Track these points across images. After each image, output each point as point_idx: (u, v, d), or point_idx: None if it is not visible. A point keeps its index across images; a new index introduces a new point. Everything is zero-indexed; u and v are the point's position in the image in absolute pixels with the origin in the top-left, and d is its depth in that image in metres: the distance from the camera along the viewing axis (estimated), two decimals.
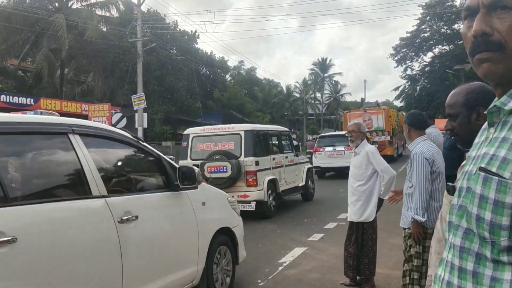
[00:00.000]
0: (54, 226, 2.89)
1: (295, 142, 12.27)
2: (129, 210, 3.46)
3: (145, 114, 25.36)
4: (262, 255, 6.65)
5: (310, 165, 12.85)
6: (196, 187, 4.28)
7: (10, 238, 2.52)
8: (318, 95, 78.62)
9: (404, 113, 50.05)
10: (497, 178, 1.00)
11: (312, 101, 76.65)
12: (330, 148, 17.83)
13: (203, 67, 43.65)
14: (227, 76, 54.78)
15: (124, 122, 22.80)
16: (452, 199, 2.12)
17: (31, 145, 3.17)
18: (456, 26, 42.79)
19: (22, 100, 22.61)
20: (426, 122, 4.19)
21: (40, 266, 2.74)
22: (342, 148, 17.49)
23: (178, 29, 37.18)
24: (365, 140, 5.12)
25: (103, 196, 3.29)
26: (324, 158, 17.67)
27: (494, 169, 1.01)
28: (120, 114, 22.85)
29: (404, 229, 4.12)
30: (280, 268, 5.97)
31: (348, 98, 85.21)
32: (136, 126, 24.84)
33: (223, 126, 10.74)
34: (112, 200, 3.36)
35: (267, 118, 54.15)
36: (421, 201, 3.82)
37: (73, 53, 29.81)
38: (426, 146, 3.94)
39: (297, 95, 72.77)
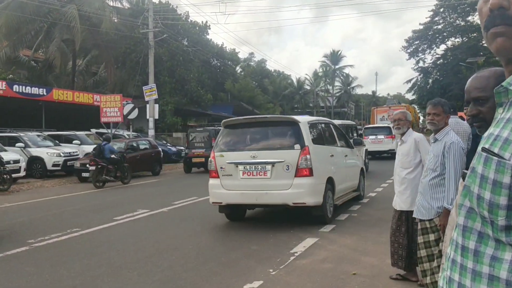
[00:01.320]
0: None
1: None
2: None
3: (156, 105, 25.44)
4: (274, 245, 6.65)
5: None
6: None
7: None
8: (329, 87, 78.30)
9: (416, 106, 49.81)
10: (496, 158, 1.02)
11: (323, 94, 76.35)
12: (373, 136, 23.28)
13: (214, 58, 43.59)
14: (238, 67, 54.66)
15: (135, 113, 22.89)
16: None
17: None
18: (470, 18, 42.28)
19: (35, 90, 22.73)
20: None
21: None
22: (382, 136, 23.23)
23: (189, 20, 37.13)
24: (410, 129, 5.06)
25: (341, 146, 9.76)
26: (369, 143, 21.50)
27: (496, 150, 1.03)
28: (131, 105, 22.94)
29: (422, 220, 4.04)
30: (292, 258, 5.97)
31: (359, 91, 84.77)
32: (148, 117, 24.93)
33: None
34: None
35: (278, 111, 54.08)
36: (455, 191, 3.74)
37: (85, 44, 29.93)
38: (455, 135, 3.88)
39: (308, 87, 72.54)
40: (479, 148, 1.12)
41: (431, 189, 3.91)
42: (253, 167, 7.84)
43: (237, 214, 8.71)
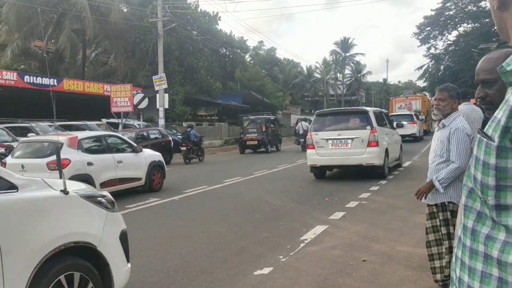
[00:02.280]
0: None
1: None
2: None
3: (166, 95, 25.47)
4: (284, 233, 6.68)
5: None
6: None
7: None
8: (339, 75, 77.78)
9: (427, 93, 49.44)
10: (486, 140, 1.05)
11: (333, 82, 75.87)
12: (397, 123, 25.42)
13: (223, 47, 43.48)
14: (247, 56, 54.47)
15: (145, 102, 22.94)
16: None
17: None
18: (482, 3, 41.64)
19: (45, 80, 22.86)
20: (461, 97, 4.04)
21: None
22: (405, 122, 26.79)
23: (199, 10, 37.01)
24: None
25: (390, 128, 13.32)
26: None
27: (489, 132, 1.06)
28: (141, 95, 22.99)
29: (429, 205, 4.07)
30: (302, 245, 5.99)
31: (370, 79, 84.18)
32: (158, 106, 24.99)
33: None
34: None
35: (288, 100, 53.92)
36: (452, 175, 3.75)
37: (95, 34, 30.00)
38: (464, 121, 3.85)
39: (318, 75, 72.08)
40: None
41: (436, 174, 3.94)
42: (339, 141, 11.90)
43: (321, 175, 12.63)
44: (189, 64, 32.95)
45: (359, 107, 16.23)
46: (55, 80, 23.65)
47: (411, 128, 27.43)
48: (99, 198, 3.68)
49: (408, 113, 29.77)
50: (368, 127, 11.67)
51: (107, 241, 3.53)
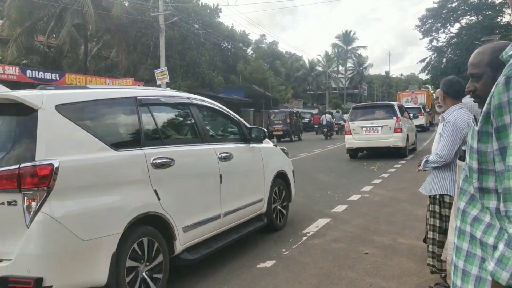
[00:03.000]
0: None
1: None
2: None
3: (168, 89, 25.44)
4: (286, 226, 6.69)
5: None
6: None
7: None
8: (341, 68, 77.60)
9: (430, 86, 49.36)
10: (473, 126, 1.14)
11: (335, 75, 75.71)
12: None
13: (225, 41, 43.35)
14: (249, 50, 54.34)
15: None
16: (460, 163, 2.13)
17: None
18: None
19: (47, 75, 22.88)
20: (463, 91, 3.84)
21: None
22: (415, 113, 27.41)
23: (200, 3, 36.91)
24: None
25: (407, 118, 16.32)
26: None
27: (479, 118, 1.13)
28: None
29: (430, 197, 4.11)
30: (304, 238, 6.01)
31: (372, 72, 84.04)
32: None
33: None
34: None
35: (290, 93, 53.86)
36: (434, 161, 3.84)
37: (97, 29, 29.95)
38: (461, 115, 3.80)
39: (320, 69, 71.94)
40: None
41: (435, 167, 3.98)
42: (371, 128, 15.02)
43: (354, 155, 15.87)
44: (191, 58, 32.88)
45: (386, 102, 21.00)
46: (57, 75, 23.66)
47: (419, 120, 29.18)
48: (285, 151, 7.07)
49: (417, 106, 32.62)
50: (394, 118, 14.88)
51: (289, 172, 6.88)
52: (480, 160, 1.09)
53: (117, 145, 3.89)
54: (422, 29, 46.24)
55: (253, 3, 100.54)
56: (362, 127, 15.07)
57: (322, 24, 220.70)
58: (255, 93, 43.43)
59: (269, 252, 5.44)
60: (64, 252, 3.29)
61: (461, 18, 45.12)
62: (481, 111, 1.17)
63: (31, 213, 3.19)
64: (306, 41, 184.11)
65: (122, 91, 4.52)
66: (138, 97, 4.29)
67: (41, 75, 22.50)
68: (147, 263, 3.94)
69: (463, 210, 1.17)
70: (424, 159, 3.99)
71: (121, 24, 30.03)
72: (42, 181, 3.20)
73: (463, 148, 3.54)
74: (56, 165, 3.25)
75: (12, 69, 21.22)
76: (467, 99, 5.75)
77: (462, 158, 2.43)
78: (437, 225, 3.97)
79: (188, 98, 5.20)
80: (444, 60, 46.48)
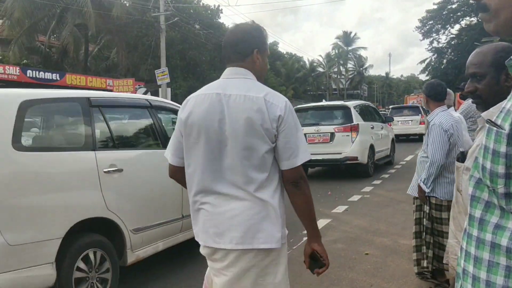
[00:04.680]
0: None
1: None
2: None
3: (169, 89, 25.46)
4: (286, 226, 6.67)
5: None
6: None
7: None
8: (342, 69, 77.61)
9: None
10: (495, 128, 1.06)
11: (336, 76, 75.74)
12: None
13: None
14: None
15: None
16: (458, 164, 2.10)
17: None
18: None
19: (48, 75, 22.91)
20: (445, 93, 4.04)
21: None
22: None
23: (201, 3, 36.95)
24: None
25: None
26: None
27: (498, 121, 1.07)
28: (144, 89, 23.03)
29: (414, 198, 4.13)
30: (304, 238, 5.98)
31: (372, 72, 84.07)
32: None
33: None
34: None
35: (290, 94, 53.89)
36: (431, 172, 3.81)
37: (97, 29, 29.97)
38: (445, 117, 3.87)
39: (321, 69, 71.96)
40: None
41: (421, 168, 4.02)
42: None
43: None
44: (191, 58, 32.92)
45: (414, 104, 24.99)
46: (58, 75, 23.69)
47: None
48: None
49: (414, 105, 36.81)
50: (420, 115, 20.76)
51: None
52: (509, 164, 1.06)
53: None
54: (422, 31, 46.24)
55: (254, 4, 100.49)
56: (398, 121, 16.42)
57: (324, 25, 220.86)
58: None
59: None
60: None
61: (461, 19, 45.12)
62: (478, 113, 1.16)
63: None
64: (307, 41, 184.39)
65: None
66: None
67: (41, 75, 22.54)
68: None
69: (480, 219, 1.12)
70: (420, 183, 3.90)
71: (122, 24, 30.03)
72: None
73: (461, 149, 3.55)
74: None
75: (13, 69, 21.25)
76: (469, 102, 5.75)
77: (460, 160, 2.41)
78: (429, 226, 3.98)
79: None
80: (445, 61, 46.47)
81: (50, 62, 30.01)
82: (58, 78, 23.33)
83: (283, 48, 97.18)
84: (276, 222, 2.04)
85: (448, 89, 4.90)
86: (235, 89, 1.97)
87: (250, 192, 1.96)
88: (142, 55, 32.15)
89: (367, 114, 12.25)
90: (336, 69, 76.54)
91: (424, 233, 3.99)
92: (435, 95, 3.95)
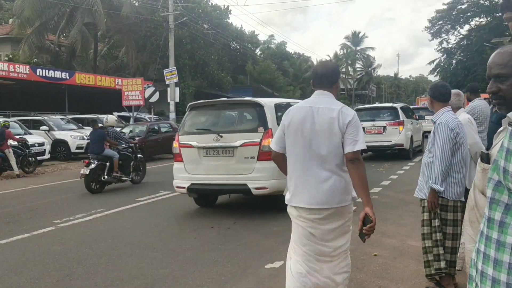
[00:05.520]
0: None
1: None
2: None
3: (177, 89, 25.53)
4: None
5: None
6: None
7: None
8: (350, 69, 77.36)
9: None
10: None
11: (344, 76, 75.54)
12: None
13: (234, 41, 43.41)
14: (257, 50, 54.34)
15: (156, 96, 23.03)
16: (485, 166, 2.05)
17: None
18: None
19: (58, 74, 23.05)
20: (449, 94, 4.07)
21: None
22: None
23: (210, 3, 37.00)
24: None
25: None
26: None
27: None
28: (152, 88, 23.08)
29: (421, 199, 4.09)
30: None
31: (381, 73, 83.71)
32: (168, 100, 25.07)
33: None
34: None
35: (298, 93, 53.79)
36: (440, 171, 3.78)
37: (107, 28, 30.14)
38: (451, 116, 3.90)
39: None
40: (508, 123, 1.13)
41: (427, 169, 3.99)
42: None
43: None
44: (200, 58, 32.97)
45: (426, 106, 27.08)
46: (67, 74, 23.82)
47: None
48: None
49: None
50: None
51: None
52: None
53: None
54: (432, 31, 46.02)
55: (263, 4, 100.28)
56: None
57: (334, 25, 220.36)
58: (263, 94, 43.39)
59: (277, 253, 5.43)
60: None
61: (471, 19, 44.86)
62: (500, 115, 1.15)
63: None
64: (316, 41, 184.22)
65: None
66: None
67: (51, 73, 22.68)
68: None
69: (501, 221, 1.11)
70: (432, 185, 3.84)
71: (131, 23, 30.18)
72: None
73: (484, 151, 3.52)
74: None
75: (23, 67, 21.39)
76: (477, 102, 5.71)
77: (484, 160, 2.38)
78: (437, 224, 3.95)
79: None
80: (454, 62, 46.24)
81: (59, 61, 30.18)
82: (68, 77, 23.46)
83: (291, 48, 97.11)
84: (351, 189, 3.12)
85: (458, 90, 4.88)
86: (323, 103, 3.00)
87: (331, 169, 3.00)
88: (150, 54, 32.26)
89: (408, 113, 15.89)
90: (344, 69, 76.31)
91: (435, 234, 3.97)
92: (440, 96, 3.99)
